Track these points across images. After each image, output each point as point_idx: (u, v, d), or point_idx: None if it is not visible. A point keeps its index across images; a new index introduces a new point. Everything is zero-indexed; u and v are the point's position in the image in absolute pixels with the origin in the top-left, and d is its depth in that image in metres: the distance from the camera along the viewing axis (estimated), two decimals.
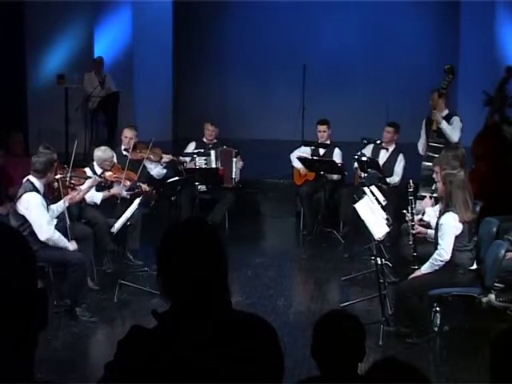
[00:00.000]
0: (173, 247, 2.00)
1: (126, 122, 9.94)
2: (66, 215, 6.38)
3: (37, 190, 6.06)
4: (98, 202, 7.34)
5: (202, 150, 8.80)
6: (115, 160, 7.73)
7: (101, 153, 7.53)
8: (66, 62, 11.59)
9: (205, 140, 9.01)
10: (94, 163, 7.53)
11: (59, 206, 6.37)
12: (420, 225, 6.12)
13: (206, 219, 8.47)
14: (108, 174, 7.46)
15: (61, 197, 6.43)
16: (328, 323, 2.92)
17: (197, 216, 7.32)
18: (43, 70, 11.56)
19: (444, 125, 7.75)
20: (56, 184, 6.49)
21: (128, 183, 7.58)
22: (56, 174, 6.70)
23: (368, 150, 8.37)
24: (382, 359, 2.38)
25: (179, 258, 1.97)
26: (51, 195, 6.46)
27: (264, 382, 1.96)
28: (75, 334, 5.90)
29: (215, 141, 9.05)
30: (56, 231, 6.11)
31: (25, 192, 6.03)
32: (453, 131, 7.75)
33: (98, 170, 7.48)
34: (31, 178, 6.10)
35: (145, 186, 7.77)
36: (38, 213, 6.01)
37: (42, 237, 5.98)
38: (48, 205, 6.21)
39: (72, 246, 6.21)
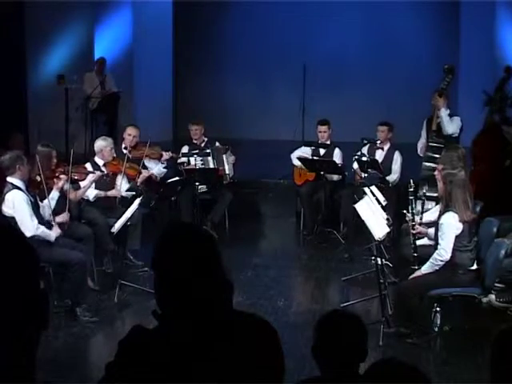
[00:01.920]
0: (166, 253, 2.00)
1: (126, 122, 9.94)
2: (51, 205, 6.36)
3: (18, 188, 6.05)
4: (91, 198, 7.33)
5: (197, 151, 8.76)
6: (115, 155, 7.75)
7: (101, 141, 7.60)
8: (66, 62, 11.59)
9: (195, 141, 8.98)
10: (96, 156, 7.54)
11: (52, 199, 6.37)
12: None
13: (205, 219, 8.52)
14: (109, 165, 7.47)
15: (45, 190, 6.37)
16: (330, 323, 2.92)
17: (184, 222, 7.33)
18: (43, 70, 11.56)
19: (443, 112, 7.75)
20: (38, 178, 6.45)
21: (129, 172, 7.58)
22: (55, 172, 6.70)
23: (364, 150, 8.37)
24: (382, 359, 2.38)
25: (174, 262, 1.97)
26: (36, 189, 6.43)
27: (264, 383, 1.96)
28: (75, 334, 5.90)
29: (205, 139, 9.02)
30: (40, 226, 6.10)
31: (6, 193, 6.03)
32: (449, 123, 7.76)
33: (100, 162, 7.49)
34: (9, 178, 6.08)
35: (147, 171, 7.80)
36: (20, 209, 6.01)
37: (27, 233, 5.87)
38: (35, 200, 6.20)
39: (54, 232, 6.19)
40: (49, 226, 6.24)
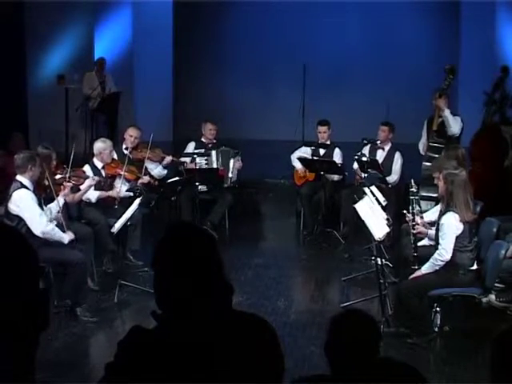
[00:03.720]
0: (167, 253, 2.00)
1: (126, 122, 9.94)
2: (60, 210, 6.36)
3: (25, 187, 6.06)
4: (93, 200, 7.32)
5: (203, 151, 8.80)
6: (115, 156, 7.74)
7: (100, 143, 7.58)
8: (66, 62, 11.60)
9: (204, 140, 8.99)
10: (94, 158, 7.53)
11: (55, 205, 6.37)
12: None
13: (205, 220, 8.52)
14: (108, 167, 7.46)
15: (53, 194, 6.39)
16: (344, 322, 2.90)
17: (185, 222, 7.30)
18: (43, 70, 11.56)
19: (447, 112, 7.75)
20: (46, 182, 6.46)
21: (128, 176, 7.57)
22: (55, 174, 6.71)
23: (365, 151, 8.38)
24: (379, 358, 2.38)
25: (174, 263, 1.97)
26: (42, 193, 6.44)
27: (264, 382, 1.96)
28: (75, 335, 5.90)
29: (214, 140, 9.03)
30: (50, 223, 6.10)
31: (14, 191, 6.04)
32: (455, 121, 7.77)
33: (99, 165, 7.48)
34: (18, 177, 6.10)
35: (146, 178, 7.79)
36: (28, 207, 6.01)
37: (36, 231, 5.97)
38: (40, 202, 6.20)
39: (68, 236, 6.18)
40: (61, 229, 6.24)
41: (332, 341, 2.84)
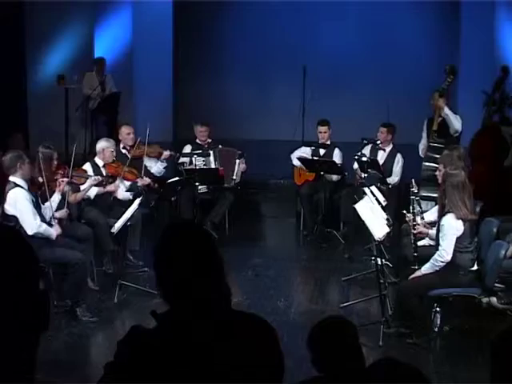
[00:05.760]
0: (167, 253, 2.00)
1: (127, 122, 9.93)
2: (53, 207, 6.37)
3: (19, 186, 6.06)
4: (92, 196, 7.32)
5: (200, 151, 8.78)
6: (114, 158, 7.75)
7: (104, 141, 7.62)
8: (66, 62, 11.58)
9: (198, 141, 8.99)
10: (96, 157, 7.54)
11: (53, 202, 6.37)
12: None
13: (205, 220, 8.51)
14: (109, 167, 7.46)
15: (46, 192, 6.37)
16: (317, 339, 2.93)
17: (187, 220, 7.31)
18: (43, 70, 11.55)
19: (447, 110, 7.74)
20: (41, 179, 6.46)
21: (128, 176, 7.58)
22: (56, 174, 6.71)
23: (366, 151, 8.38)
24: (382, 359, 2.38)
25: (174, 262, 1.97)
26: (37, 190, 6.43)
27: (264, 382, 1.96)
28: (75, 335, 5.90)
29: (209, 140, 9.02)
30: (42, 224, 6.10)
31: (8, 191, 6.04)
32: (456, 119, 7.75)
33: (100, 163, 7.48)
34: (11, 177, 6.11)
35: (146, 179, 7.79)
36: (22, 206, 6.02)
37: (29, 231, 5.96)
38: (37, 200, 6.20)
39: (55, 231, 6.18)
40: (50, 225, 6.24)
41: (315, 358, 2.87)
